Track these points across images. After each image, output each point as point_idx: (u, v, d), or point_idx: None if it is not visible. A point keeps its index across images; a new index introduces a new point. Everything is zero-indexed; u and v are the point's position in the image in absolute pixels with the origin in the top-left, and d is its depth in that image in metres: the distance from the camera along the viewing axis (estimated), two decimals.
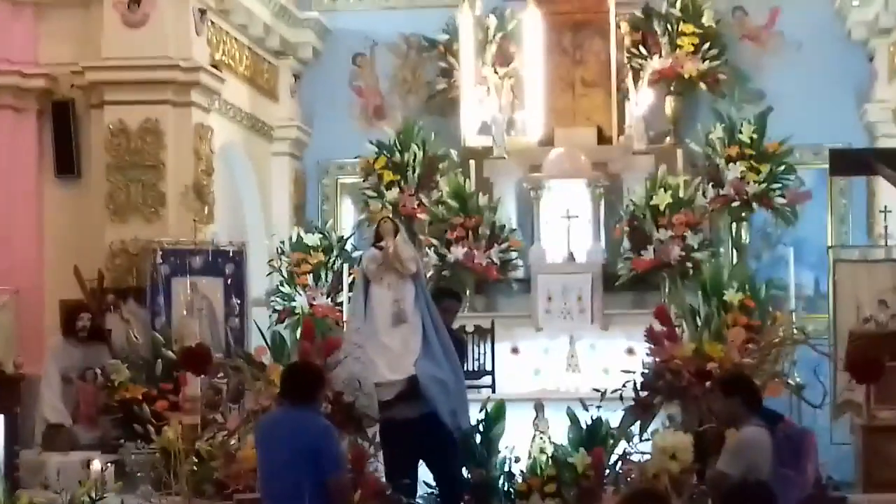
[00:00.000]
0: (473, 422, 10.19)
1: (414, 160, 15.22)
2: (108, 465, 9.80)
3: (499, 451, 10.22)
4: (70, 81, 13.45)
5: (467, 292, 14.28)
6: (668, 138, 15.45)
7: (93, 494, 7.80)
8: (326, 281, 14.57)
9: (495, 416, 10.34)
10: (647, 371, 10.36)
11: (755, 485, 6.83)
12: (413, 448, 9.64)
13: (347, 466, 8.22)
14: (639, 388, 10.25)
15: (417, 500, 9.94)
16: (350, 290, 13.78)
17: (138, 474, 10.23)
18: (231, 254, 13.31)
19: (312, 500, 7.33)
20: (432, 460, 9.79)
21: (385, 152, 15.33)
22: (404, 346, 9.52)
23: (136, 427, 10.77)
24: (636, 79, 15.25)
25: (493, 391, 12.27)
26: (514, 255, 14.69)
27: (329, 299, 14.26)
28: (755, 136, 14.69)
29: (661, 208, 14.25)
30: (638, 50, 15.65)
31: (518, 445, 10.20)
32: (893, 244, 12.72)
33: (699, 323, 11.29)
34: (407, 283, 9.68)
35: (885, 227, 13.05)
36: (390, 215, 10.71)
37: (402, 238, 10.05)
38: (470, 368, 12.19)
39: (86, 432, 11.82)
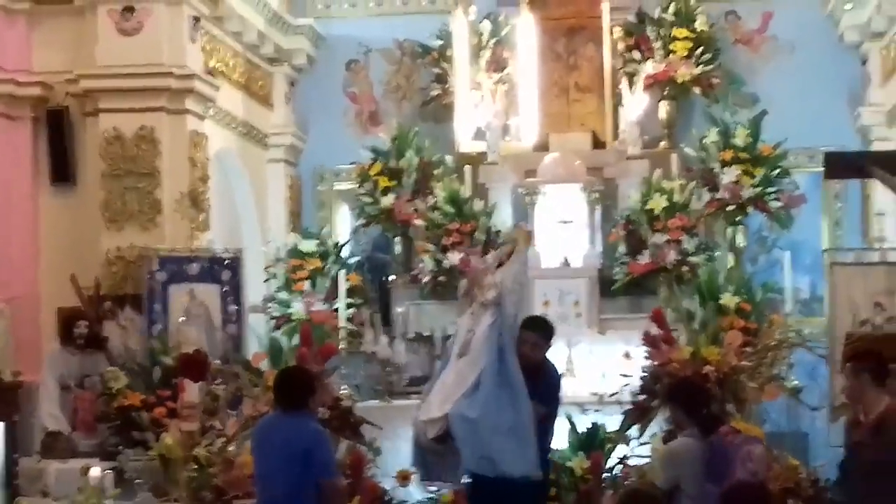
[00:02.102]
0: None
1: (409, 166, 15.22)
2: (107, 472, 9.82)
3: None
4: (64, 89, 13.46)
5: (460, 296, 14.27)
6: (662, 143, 15.49)
7: (92, 501, 7.81)
8: (323, 287, 14.56)
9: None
10: (644, 375, 10.40)
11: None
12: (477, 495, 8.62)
13: (340, 471, 8.27)
14: (636, 392, 10.28)
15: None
16: (347, 296, 13.84)
17: (137, 481, 10.24)
18: (227, 260, 13.32)
19: (305, 503, 7.40)
20: None
21: (380, 158, 15.33)
22: (458, 380, 8.43)
23: (135, 434, 10.81)
24: (630, 83, 15.25)
25: None
26: None
27: (326, 305, 14.26)
28: (749, 139, 14.70)
29: (657, 213, 14.25)
30: (631, 55, 15.69)
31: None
32: (888, 247, 12.77)
33: (696, 327, 11.31)
34: (488, 312, 8.49)
35: (880, 230, 13.13)
36: (518, 236, 9.01)
37: (515, 260, 8.74)
38: None
39: (84, 439, 11.80)
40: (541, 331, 8.85)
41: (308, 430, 7.62)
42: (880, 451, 7.05)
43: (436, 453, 8.48)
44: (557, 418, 9.24)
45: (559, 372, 9.22)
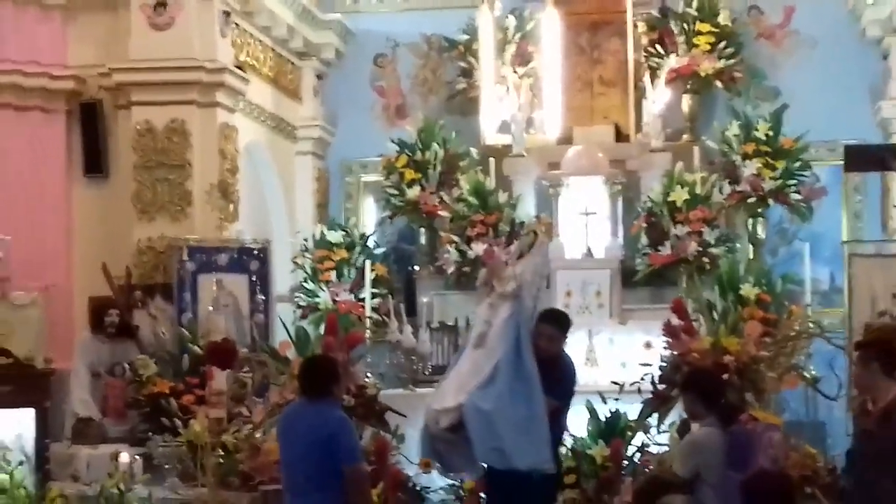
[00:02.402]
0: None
1: (435, 158, 15.25)
2: (136, 457, 9.86)
3: None
4: (98, 83, 13.50)
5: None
6: (684, 136, 15.46)
7: (121, 486, 7.87)
8: (349, 277, 14.60)
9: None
10: (664, 364, 10.39)
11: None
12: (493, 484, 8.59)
13: (364, 457, 8.21)
14: (656, 381, 10.28)
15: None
16: (373, 286, 13.87)
17: (166, 466, 10.28)
18: (256, 251, 13.37)
19: (330, 489, 7.40)
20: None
21: (406, 151, 15.35)
22: (474, 370, 8.20)
23: (164, 420, 10.85)
24: (653, 77, 15.21)
25: None
26: None
27: (352, 295, 14.29)
28: (771, 133, 14.66)
29: (678, 204, 14.21)
30: (655, 49, 15.64)
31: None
32: None
33: (716, 317, 11.28)
34: (506, 303, 8.30)
35: None
36: (539, 228, 8.84)
37: (535, 253, 8.66)
38: None
39: (114, 426, 11.86)
40: (558, 324, 8.72)
41: (332, 418, 7.63)
42: (887, 439, 7.02)
43: (447, 442, 8.28)
44: (570, 411, 9.11)
45: (574, 366, 9.07)
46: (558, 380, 8.52)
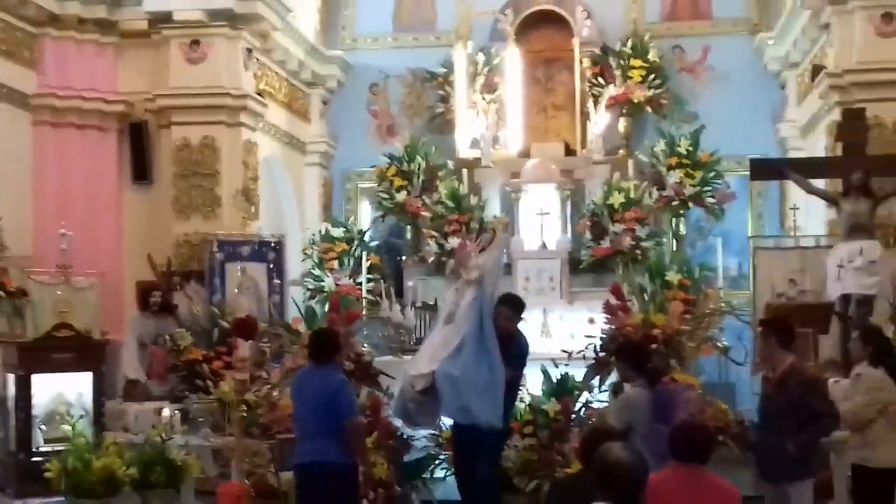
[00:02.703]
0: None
1: (418, 169, 15.24)
2: (176, 412, 9.82)
3: None
4: (143, 106, 13.48)
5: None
6: (620, 151, 15.46)
7: (163, 436, 7.83)
8: (349, 265, 14.58)
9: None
10: (604, 336, 10.38)
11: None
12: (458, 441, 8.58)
13: (360, 412, 8.16)
14: (598, 350, 10.27)
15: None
16: (368, 272, 13.86)
17: (199, 419, 10.26)
18: (273, 244, 13.34)
19: (332, 437, 7.39)
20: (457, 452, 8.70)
21: (395, 163, 15.34)
22: (444, 343, 8.10)
23: (198, 382, 10.80)
24: (595, 103, 15.27)
25: None
26: None
27: (351, 280, 14.27)
28: (691, 148, 14.71)
29: (616, 207, 14.24)
30: (597, 80, 15.67)
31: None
32: (800, 235, 12.79)
33: (646, 298, 11.26)
34: (470, 288, 8.14)
35: (794, 221, 13.13)
36: (498, 226, 8.97)
37: (494, 246, 8.74)
38: None
39: (157, 386, 11.84)
40: (514, 307, 8.66)
41: (334, 379, 7.62)
42: (783, 401, 7.05)
43: (417, 403, 8.20)
44: (523, 380, 9.14)
45: (528, 342, 8.88)
46: (515, 354, 8.45)
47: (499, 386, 7.98)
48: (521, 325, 10.78)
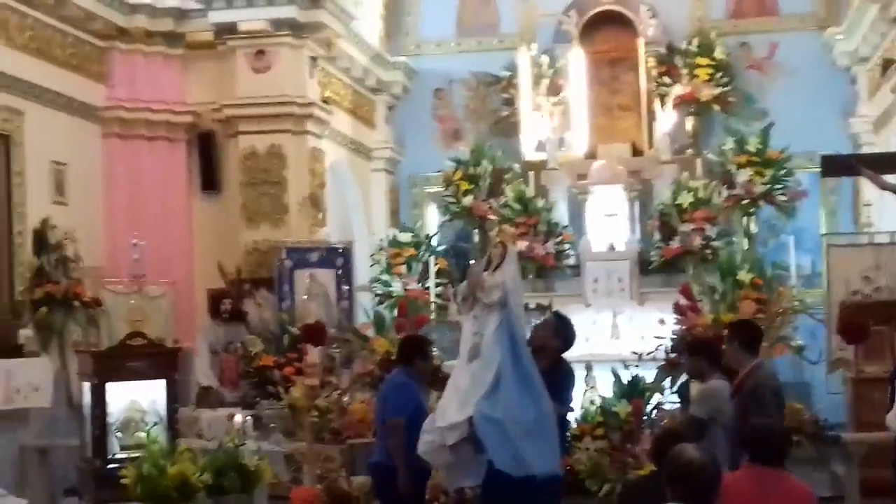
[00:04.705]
0: None
1: (484, 172, 15.26)
2: (248, 418, 9.90)
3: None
4: (211, 116, 13.62)
5: (529, 276, 14.30)
6: (688, 150, 15.36)
7: (236, 441, 7.88)
8: (417, 270, 14.61)
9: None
10: (675, 337, 10.33)
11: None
12: (494, 496, 6.97)
13: (406, 413, 7.48)
14: (669, 350, 10.21)
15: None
16: (436, 277, 13.88)
17: (271, 425, 10.32)
18: (340, 250, 13.39)
19: (384, 437, 7.60)
20: None
21: (461, 167, 15.37)
22: (474, 383, 6.80)
23: (269, 388, 10.90)
24: (662, 103, 15.20)
25: None
26: (566, 246, 14.68)
27: (419, 285, 14.31)
28: (760, 146, 14.63)
29: (685, 206, 14.19)
30: (663, 80, 15.58)
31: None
32: (874, 231, 12.64)
33: (717, 298, 11.20)
34: (492, 313, 6.88)
35: (868, 218, 13.00)
36: (505, 239, 7.37)
37: (509, 261, 7.19)
38: None
39: (229, 393, 11.96)
40: (558, 320, 8.07)
41: (395, 381, 7.81)
42: (746, 398, 6.92)
43: (449, 466, 7.09)
44: (571, 414, 8.62)
45: (574, 373, 8.24)
46: (560, 384, 7.63)
47: (550, 420, 6.93)
48: (592, 326, 10.70)
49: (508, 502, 6.73)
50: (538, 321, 8.37)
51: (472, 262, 15.10)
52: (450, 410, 6.88)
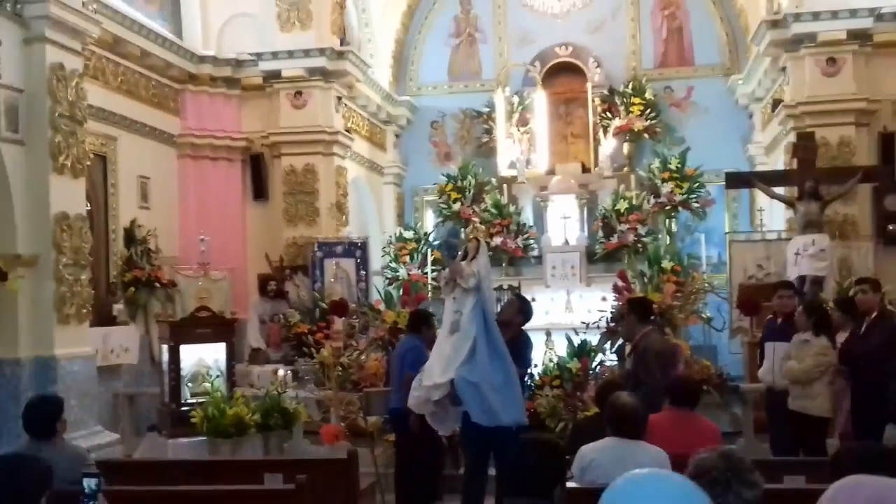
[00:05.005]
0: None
1: (469, 185, 15.25)
2: (288, 372, 9.91)
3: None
4: (260, 142, 13.57)
5: (503, 264, 14.30)
6: (625, 168, 15.36)
7: (279, 390, 7.90)
8: (418, 259, 14.62)
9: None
10: (613, 311, 10.33)
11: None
12: (472, 440, 6.83)
13: (418, 370, 7.31)
14: (609, 321, 10.23)
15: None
16: (432, 264, 13.88)
17: (306, 377, 10.32)
18: (359, 244, 13.37)
19: (398, 390, 7.56)
20: (487, 453, 6.81)
21: (451, 181, 15.36)
22: (455, 351, 6.66)
23: (304, 349, 10.90)
24: (605, 132, 15.19)
25: None
26: (531, 241, 14.68)
27: (419, 270, 14.32)
28: (679, 165, 14.62)
29: (622, 211, 14.21)
30: (606, 114, 15.56)
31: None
32: (766, 230, 12.67)
33: (646, 281, 11.22)
34: (469, 296, 6.69)
35: (761, 220, 13.02)
36: (478, 236, 7.18)
37: (482, 253, 6.95)
38: None
39: (274, 353, 11.96)
40: (522, 301, 7.88)
41: (407, 344, 7.83)
42: (638, 356, 6.84)
43: (432, 414, 6.91)
44: (528, 376, 8.49)
45: (532, 341, 8.00)
46: (520, 351, 7.46)
47: (515, 384, 6.76)
48: (551, 302, 10.57)
49: (482, 447, 6.66)
50: (506, 300, 8.20)
51: (458, 254, 15.23)
52: (434, 372, 6.73)
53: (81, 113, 8.56)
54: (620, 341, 9.20)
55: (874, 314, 7.46)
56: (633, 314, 7.03)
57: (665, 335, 9.30)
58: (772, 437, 7.99)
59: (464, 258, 6.92)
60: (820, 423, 7.21)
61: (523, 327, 7.75)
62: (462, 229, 15.45)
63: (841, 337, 7.60)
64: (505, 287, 12.89)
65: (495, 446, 6.57)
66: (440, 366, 6.72)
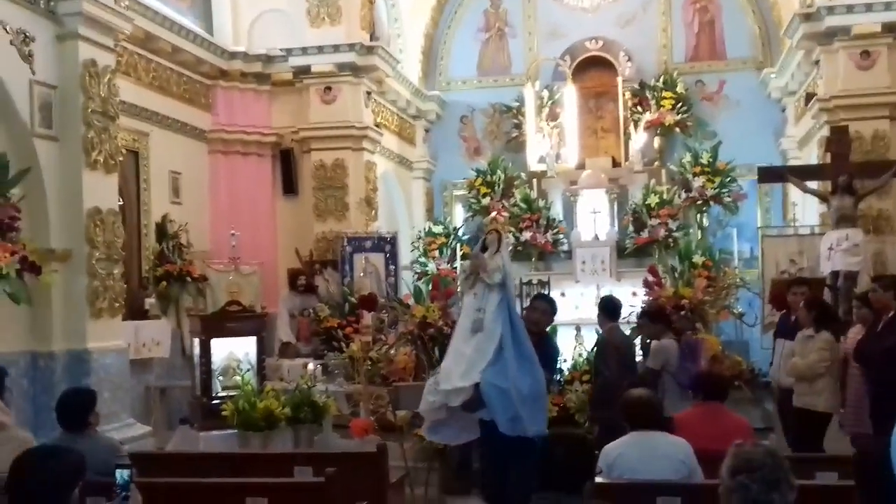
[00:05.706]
0: None
1: (499, 180, 15.27)
2: (318, 366, 9.96)
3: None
4: (290, 137, 13.61)
5: (532, 259, 14.28)
6: (656, 162, 15.29)
7: (309, 384, 7.93)
8: (447, 254, 14.64)
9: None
10: (643, 306, 10.27)
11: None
12: (491, 448, 6.35)
13: None
14: (639, 315, 10.17)
15: None
16: (461, 259, 13.88)
17: (335, 372, 10.37)
18: (388, 239, 13.39)
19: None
20: (505, 462, 6.16)
21: (481, 175, 15.38)
22: (478, 353, 6.09)
23: (334, 343, 10.94)
24: (635, 126, 15.14)
25: None
26: (561, 236, 14.68)
27: (448, 265, 14.33)
28: (711, 159, 14.59)
29: (653, 206, 14.19)
30: (636, 108, 15.49)
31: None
32: (799, 225, 12.55)
33: (676, 276, 11.16)
34: (493, 292, 6.18)
35: (794, 214, 12.91)
36: (497, 227, 6.59)
37: (504, 247, 6.46)
38: None
39: (304, 347, 11.96)
40: (549, 302, 7.28)
41: None
42: (597, 354, 7.49)
43: (443, 421, 6.36)
44: (553, 382, 8.09)
45: (558, 344, 7.67)
46: (547, 355, 6.86)
47: (544, 394, 6.31)
48: (580, 297, 10.48)
49: (502, 457, 6.13)
50: (534, 296, 8.11)
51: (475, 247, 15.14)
52: (454, 376, 6.15)
53: (114, 109, 8.65)
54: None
55: (892, 312, 7.37)
56: (601, 313, 7.56)
57: (696, 330, 9.26)
58: (785, 434, 7.96)
59: (483, 251, 6.42)
60: (823, 420, 7.18)
61: (554, 321, 7.64)
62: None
63: (855, 331, 7.53)
64: (535, 282, 12.87)
65: (511, 455, 6.01)
66: (460, 368, 6.14)
